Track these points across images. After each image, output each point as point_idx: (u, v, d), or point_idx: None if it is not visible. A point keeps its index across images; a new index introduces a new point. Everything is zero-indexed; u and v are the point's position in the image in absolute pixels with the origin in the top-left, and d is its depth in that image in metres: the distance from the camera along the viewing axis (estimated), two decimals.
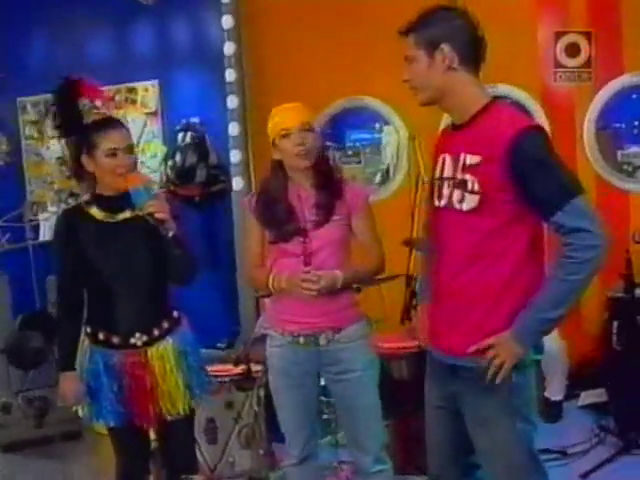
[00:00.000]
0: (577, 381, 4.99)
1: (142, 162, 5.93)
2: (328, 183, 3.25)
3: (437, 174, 2.72)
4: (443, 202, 2.68)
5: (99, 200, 3.18)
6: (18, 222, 6.51)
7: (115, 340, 3.18)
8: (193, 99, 6.25)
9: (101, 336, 3.19)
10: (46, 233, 6.36)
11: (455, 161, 2.63)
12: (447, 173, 2.67)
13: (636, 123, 5.38)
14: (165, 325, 3.23)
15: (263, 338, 3.54)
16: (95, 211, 3.17)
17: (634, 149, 5.43)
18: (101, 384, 3.18)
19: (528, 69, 5.43)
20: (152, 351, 3.19)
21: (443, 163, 2.69)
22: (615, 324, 4.59)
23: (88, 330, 3.22)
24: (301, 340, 3.26)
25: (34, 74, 6.57)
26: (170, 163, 5.98)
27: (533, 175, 2.47)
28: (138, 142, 5.99)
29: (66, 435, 5.02)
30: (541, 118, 5.14)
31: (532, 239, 2.59)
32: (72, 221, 3.19)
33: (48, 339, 5.68)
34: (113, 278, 3.15)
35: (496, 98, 2.69)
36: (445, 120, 5.02)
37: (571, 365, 4.94)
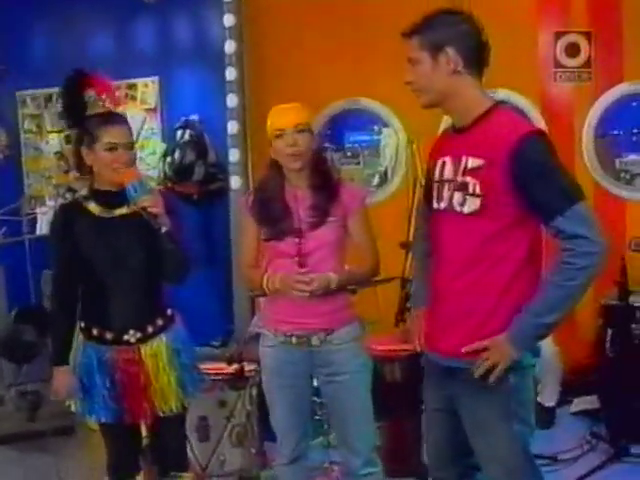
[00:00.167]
0: (570, 387, 4.99)
1: (141, 158, 5.93)
2: (325, 185, 3.24)
3: (437, 177, 2.73)
4: (443, 205, 2.68)
5: (97, 195, 3.18)
6: (15, 216, 6.51)
7: (108, 336, 3.18)
8: (193, 97, 6.25)
9: (95, 332, 3.19)
10: (43, 227, 6.35)
11: (456, 164, 2.63)
12: (447, 176, 2.67)
13: (635, 131, 5.39)
14: (159, 322, 3.23)
15: (257, 337, 3.54)
16: (92, 206, 3.18)
17: (632, 157, 5.44)
18: (94, 380, 3.18)
19: (528, 75, 5.43)
20: (145, 348, 3.19)
21: (443, 166, 2.70)
22: (609, 331, 4.59)
23: (82, 325, 3.23)
24: (293, 340, 3.26)
25: (34, 68, 6.57)
26: (169, 160, 5.98)
27: (535, 180, 2.48)
28: (137, 138, 5.98)
29: (58, 430, 5.01)
30: (540, 124, 5.13)
31: (532, 243, 2.60)
32: (69, 215, 3.20)
33: (42, 333, 5.67)
34: (107, 274, 3.16)
35: (499, 102, 2.69)
36: (444, 124, 5.07)
37: (564, 371, 4.95)
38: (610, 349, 4.57)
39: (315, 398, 3.63)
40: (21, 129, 6.92)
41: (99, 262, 3.15)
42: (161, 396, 3.21)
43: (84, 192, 3.24)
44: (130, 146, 3.16)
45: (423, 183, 3.64)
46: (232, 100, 5.81)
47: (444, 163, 2.69)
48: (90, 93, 3.14)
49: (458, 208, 2.61)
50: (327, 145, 5.59)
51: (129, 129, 3.20)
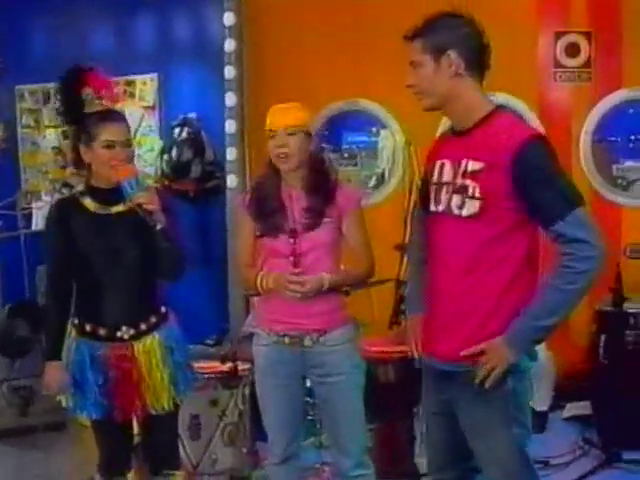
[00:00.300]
0: (563, 392, 5.00)
1: (138, 155, 5.92)
2: (320, 187, 3.24)
3: (435, 179, 2.73)
4: (441, 207, 2.68)
5: (94, 192, 3.18)
6: (11, 210, 6.50)
7: (102, 332, 3.18)
8: (191, 94, 6.25)
9: (88, 328, 3.19)
10: (39, 222, 6.34)
11: (455, 167, 2.63)
12: (446, 178, 2.67)
13: (632, 137, 5.39)
14: (153, 320, 3.23)
15: (251, 336, 3.53)
16: (89, 202, 3.17)
17: (629, 163, 5.44)
18: (86, 376, 3.17)
19: (527, 79, 5.43)
20: (139, 345, 3.19)
21: (442, 168, 2.70)
22: (602, 337, 4.58)
23: (75, 321, 3.22)
24: (286, 340, 3.26)
25: (33, 63, 6.57)
26: (166, 157, 5.97)
27: (536, 184, 2.49)
28: (135, 135, 5.97)
29: (50, 425, 5.01)
30: (538, 128, 5.14)
31: (530, 246, 2.61)
32: (65, 211, 3.19)
33: (36, 328, 5.67)
34: (102, 270, 3.15)
35: (499, 106, 2.70)
36: (442, 126, 5.07)
37: (557, 376, 4.95)
38: (603, 355, 4.57)
39: (308, 398, 3.63)
40: (19, 124, 6.90)
41: (94, 258, 3.15)
42: (153, 394, 3.21)
43: (80, 188, 3.24)
44: (128, 143, 3.15)
45: (419, 186, 3.66)
46: (230, 99, 5.80)
47: (443, 165, 2.69)
48: (88, 91, 3.13)
49: (456, 211, 2.61)
50: (324, 146, 5.58)
51: (127, 126, 3.19)
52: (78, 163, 3.22)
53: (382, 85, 5.53)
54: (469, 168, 2.58)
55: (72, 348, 3.20)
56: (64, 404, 3.26)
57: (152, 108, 6.38)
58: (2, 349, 5.85)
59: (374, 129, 5.91)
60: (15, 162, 6.90)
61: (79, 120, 3.13)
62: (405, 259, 4.51)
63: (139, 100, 6.39)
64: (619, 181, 5.45)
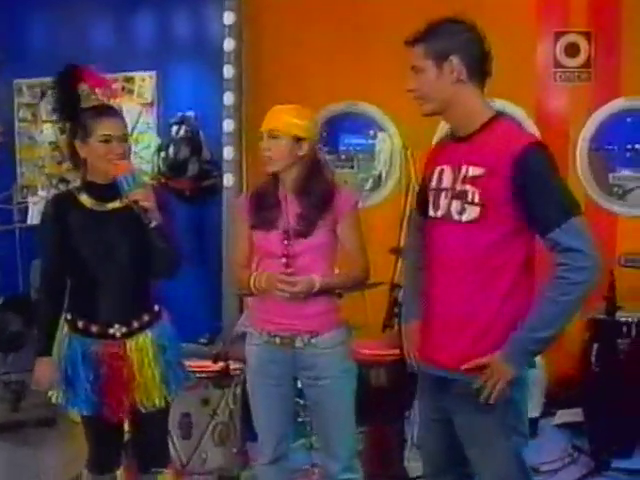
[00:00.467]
0: (554, 399, 5.00)
1: (135, 152, 5.92)
2: (310, 192, 3.22)
3: (434, 184, 2.73)
4: (440, 213, 2.68)
5: (90, 188, 3.18)
6: (7, 204, 6.49)
7: (94, 329, 3.17)
8: (190, 93, 6.24)
9: (80, 324, 3.18)
10: (34, 217, 6.32)
11: (455, 172, 2.64)
12: (445, 184, 2.67)
13: (629, 146, 5.39)
14: (145, 318, 3.22)
15: (244, 336, 3.54)
16: (85, 198, 3.17)
17: (626, 172, 5.44)
18: (78, 372, 3.17)
19: (525, 85, 5.42)
20: (131, 343, 3.18)
21: (441, 174, 2.70)
22: (595, 346, 4.59)
23: (68, 317, 3.22)
24: (277, 340, 3.26)
25: (32, 57, 6.54)
26: (163, 155, 5.97)
27: (535, 191, 2.50)
28: (132, 132, 5.97)
29: (41, 421, 5.00)
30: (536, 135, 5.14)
31: (528, 253, 2.62)
32: (61, 206, 3.19)
33: (28, 323, 5.66)
34: (96, 267, 3.15)
35: (500, 113, 2.70)
36: (440, 131, 5.08)
37: (549, 383, 4.95)
38: (595, 363, 4.57)
39: (299, 400, 3.63)
40: (16, 118, 6.89)
41: (89, 255, 3.15)
42: (144, 391, 3.20)
43: (77, 184, 3.24)
44: (124, 138, 3.15)
45: (416, 190, 3.66)
46: (229, 98, 5.80)
47: (442, 171, 2.69)
48: (83, 87, 3.13)
49: (456, 216, 2.61)
50: (321, 147, 5.58)
51: (123, 121, 3.20)
52: (74, 159, 3.21)
53: (381, 88, 5.53)
54: (469, 174, 2.58)
55: (64, 344, 3.20)
56: (54, 400, 3.25)
57: (150, 105, 6.37)
58: None
59: (372, 132, 5.90)
60: (12, 156, 6.88)
61: (75, 116, 3.13)
62: (400, 262, 4.53)
63: (137, 97, 6.38)
64: (615, 190, 5.45)
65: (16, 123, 6.89)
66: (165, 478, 3.32)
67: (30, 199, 6.58)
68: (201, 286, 5.94)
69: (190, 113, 6.04)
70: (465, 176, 2.59)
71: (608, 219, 5.34)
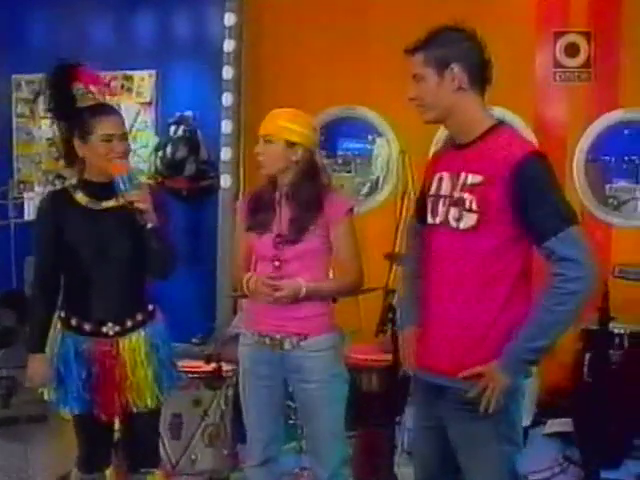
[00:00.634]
0: (545, 409, 4.99)
1: (133, 151, 5.90)
2: (303, 198, 3.22)
3: (432, 191, 2.73)
4: (438, 219, 2.68)
5: (86, 186, 3.17)
6: (2, 199, 6.48)
7: (87, 327, 3.17)
8: (189, 93, 6.25)
9: (73, 322, 3.18)
10: (30, 213, 6.32)
11: (454, 179, 2.64)
12: (444, 191, 2.67)
13: (626, 158, 5.40)
14: (139, 317, 3.22)
15: (236, 338, 3.55)
16: (81, 196, 3.17)
17: (622, 184, 5.45)
18: (70, 370, 3.17)
19: (524, 94, 5.42)
20: (124, 342, 3.18)
21: (440, 181, 2.70)
22: (587, 356, 4.60)
23: (62, 315, 3.21)
24: (267, 341, 3.26)
25: (32, 53, 6.54)
26: (160, 154, 5.97)
27: (533, 200, 2.50)
28: (130, 130, 5.96)
29: (31, 417, 4.99)
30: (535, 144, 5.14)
31: (526, 263, 2.62)
32: (57, 204, 3.19)
33: (21, 319, 5.65)
34: (91, 265, 3.15)
35: (500, 121, 2.71)
36: (438, 137, 5.08)
37: (540, 392, 4.95)
38: (587, 373, 4.58)
39: (290, 403, 3.63)
40: (14, 113, 6.89)
41: (83, 253, 3.14)
42: (136, 391, 3.20)
43: (73, 181, 3.23)
44: (124, 137, 3.16)
45: (412, 196, 3.66)
46: (227, 99, 5.81)
47: (441, 178, 2.69)
48: (78, 85, 3.12)
49: (454, 223, 2.61)
50: (319, 151, 5.58)
51: (123, 120, 3.20)
52: (69, 157, 3.20)
53: (380, 93, 5.54)
54: (468, 181, 2.58)
55: (57, 341, 3.20)
56: (46, 397, 3.25)
57: (149, 104, 6.37)
58: None
59: (370, 137, 5.91)
60: (9, 151, 6.88)
61: (71, 115, 3.12)
62: (394, 268, 4.53)
63: (136, 95, 6.39)
64: (611, 200, 5.46)
65: (14, 118, 6.88)
66: (155, 478, 3.31)
67: (26, 195, 6.58)
68: (195, 286, 5.93)
69: (189, 113, 6.04)
70: (464, 183, 2.59)
71: (603, 230, 5.34)
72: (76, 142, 3.11)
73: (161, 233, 3.09)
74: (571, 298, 2.47)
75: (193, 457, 4.16)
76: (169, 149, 5.92)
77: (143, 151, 6.24)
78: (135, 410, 3.21)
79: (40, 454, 4.54)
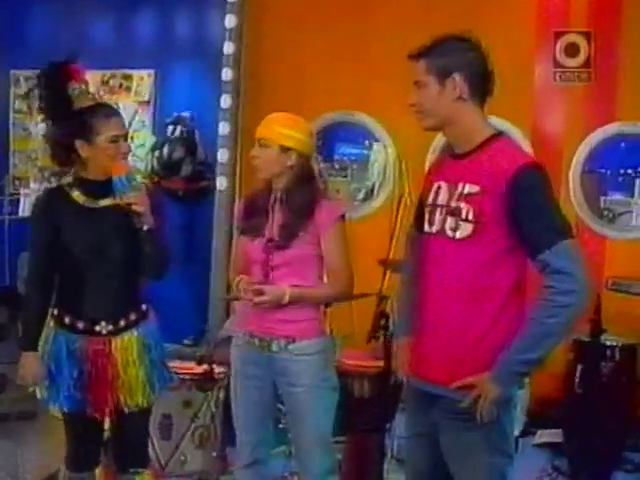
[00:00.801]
0: (535, 419, 5.00)
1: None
2: (295, 204, 3.22)
3: (430, 200, 2.73)
4: (435, 228, 2.69)
5: (82, 184, 3.17)
6: None
7: (80, 325, 3.17)
8: (187, 93, 6.25)
9: (67, 320, 3.18)
10: (25, 209, 6.31)
11: (452, 189, 2.64)
12: (441, 200, 2.68)
13: (622, 171, 5.41)
14: (132, 317, 3.22)
15: (229, 340, 3.54)
16: (77, 194, 3.17)
17: (617, 196, 5.47)
18: (61, 368, 3.17)
19: (523, 95, 5.41)
20: (116, 341, 3.18)
21: (438, 190, 2.71)
22: (579, 367, 4.60)
23: (55, 312, 3.21)
24: (256, 342, 3.27)
25: (31, 48, 6.52)
26: (157, 154, 5.97)
27: (528, 212, 2.50)
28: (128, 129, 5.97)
29: (21, 414, 4.98)
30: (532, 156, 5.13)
31: (520, 275, 2.62)
32: (53, 201, 3.19)
33: (13, 315, 5.64)
34: (86, 263, 3.15)
35: (499, 132, 2.71)
36: (435, 144, 5.09)
37: (530, 402, 4.96)
38: (578, 384, 4.58)
39: (280, 406, 3.63)
40: (11, 108, 6.87)
41: (78, 251, 3.14)
42: (128, 390, 3.20)
43: (69, 179, 3.22)
44: (127, 136, 3.20)
45: (408, 203, 3.66)
46: (226, 101, 5.81)
47: (439, 188, 2.70)
48: (74, 85, 3.10)
49: (450, 233, 2.62)
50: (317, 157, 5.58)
51: (124, 120, 3.23)
52: (63, 157, 3.19)
53: (378, 99, 5.55)
54: (465, 191, 2.59)
55: (50, 339, 3.20)
56: (38, 395, 3.25)
57: (147, 103, 6.37)
58: None
59: (367, 142, 5.92)
60: (5, 147, 6.87)
61: (69, 116, 3.09)
62: (388, 274, 4.52)
63: (134, 94, 6.39)
64: (605, 213, 5.47)
65: (11, 114, 6.87)
66: (144, 479, 3.31)
67: (22, 191, 6.57)
68: (189, 287, 5.93)
69: (186, 114, 6.05)
70: (461, 193, 2.60)
71: (597, 242, 5.35)
72: (79, 143, 3.08)
73: (156, 235, 3.09)
74: (563, 311, 2.47)
75: (182, 458, 4.15)
76: (166, 149, 5.93)
77: (140, 150, 6.23)
78: (126, 410, 3.21)
79: (30, 451, 4.52)
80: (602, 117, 5.37)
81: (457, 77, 2.60)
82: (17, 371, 3.22)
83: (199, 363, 4.26)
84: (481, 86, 2.64)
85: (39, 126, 6.64)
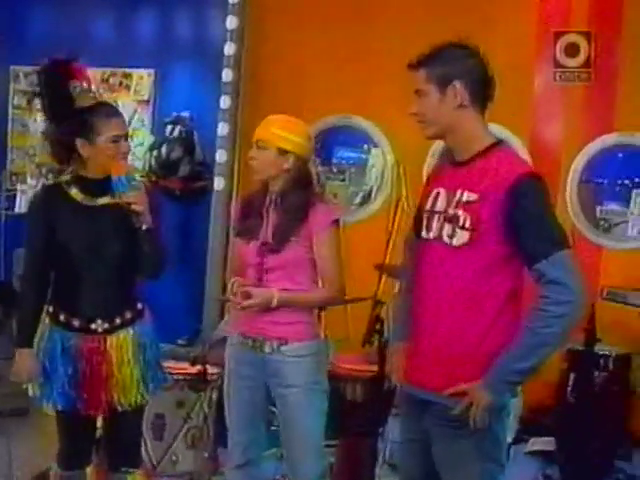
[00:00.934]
0: (527, 426, 5.00)
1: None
2: (289, 208, 3.22)
3: (428, 207, 2.73)
4: (432, 235, 2.69)
5: (81, 182, 3.17)
6: None
7: (75, 323, 3.17)
8: (187, 93, 6.25)
9: (62, 317, 3.18)
10: (22, 205, 6.31)
11: (450, 196, 2.65)
12: (439, 207, 2.68)
13: (619, 182, 5.42)
14: (128, 315, 3.22)
15: (223, 341, 3.55)
16: (75, 192, 3.16)
17: (613, 207, 5.47)
18: (56, 365, 3.16)
19: (523, 95, 5.41)
20: (111, 339, 3.18)
21: (436, 197, 2.71)
22: (572, 376, 4.61)
23: (50, 309, 3.20)
24: (250, 342, 3.27)
25: (31, 44, 6.51)
26: (155, 153, 5.97)
27: (525, 221, 2.51)
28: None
29: (13, 411, 4.97)
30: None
31: (516, 283, 2.62)
32: (51, 198, 3.19)
33: (9, 311, 5.63)
34: (82, 261, 3.15)
35: (500, 141, 2.72)
36: (433, 149, 5.10)
37: (523, 410, 4.95)
38: (571, 393, 4.59)
39: (273, 408, 3.62)
40: (10, 104, 6.86)
41: (75, 248, 3.14)
42: (122, 389, 3.20)
43: (67, 177, 3.21)
44: (127, 136, 3.19)
45: (405, 207, 3.66)
46: (225, 102, 5.81)
47: (438, 194, 2.70)
48: (75, 84, 3.10)
49: (447, 240, 2.62)
50: (315, 160, 5.59)
51: (125, 119, 3.25)
52: (60, 155, 3.19)
53: (377, 104, 5.55)
54: (463, 198, 2.59)
55: (44, 336, 3.19)
56: (31, 393, 3.24)
57: (146, 103, 6.37)
58: None
59: (365, 146, 5.92)
60: (3, 142, 6.86)
61: (70, 115, 3.09)
62: (384, 279, 4.52)
63: (134, 93, 6.38)
64: (601, 223, 5.47)
65: (10, 109, 6.86)
66: (135, 478, 3.31)
67: (19, 187, 6.56)
68: (184, 287, 5.92)
69: (185, 114, 6.05)
70: (459, 201, 2.60)
71: (593, 252, 5.35)
72: (79, 142, 3.08)
73: (154, 235, 3.09)
74: (557, 321, 2.47)
75: (174, 458, 4.15)
76: (164, 149, 5.93)
77: (138, 149, 6.22)
78: (119, 408, 3.20)
79: (22, 447, 4.51)
80: (601, 124, 5.36)
81: (457, 85, 2.60)
82: (11, 367, 3.22)
83: (193, 364, 4.26)
84: (482, 92, 2.65)
85: (38, 122, 6.66)
